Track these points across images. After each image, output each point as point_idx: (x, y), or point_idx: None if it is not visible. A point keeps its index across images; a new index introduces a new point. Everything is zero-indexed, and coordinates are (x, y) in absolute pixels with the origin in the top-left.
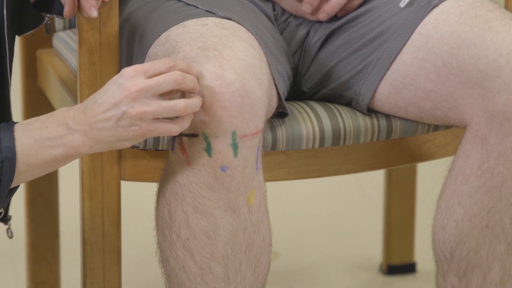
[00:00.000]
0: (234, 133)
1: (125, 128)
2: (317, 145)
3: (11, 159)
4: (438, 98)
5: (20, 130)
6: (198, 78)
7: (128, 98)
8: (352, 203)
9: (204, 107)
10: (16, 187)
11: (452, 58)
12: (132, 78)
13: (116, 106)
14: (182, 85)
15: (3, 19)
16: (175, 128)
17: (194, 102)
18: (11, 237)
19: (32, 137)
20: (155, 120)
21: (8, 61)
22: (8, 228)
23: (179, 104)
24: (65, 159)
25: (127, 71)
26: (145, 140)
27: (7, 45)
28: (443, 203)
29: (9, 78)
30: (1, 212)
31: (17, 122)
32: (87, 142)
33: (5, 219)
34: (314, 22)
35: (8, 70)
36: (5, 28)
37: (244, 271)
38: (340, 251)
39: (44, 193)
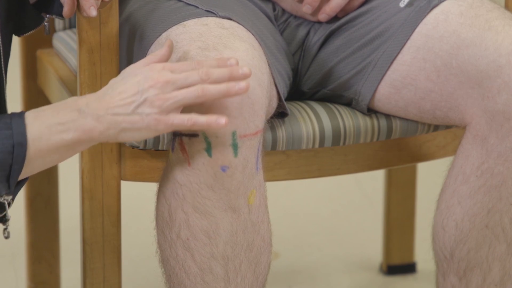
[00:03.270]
0: (234, 133)
1: (141, 116)
2: (317, 145)
3: (22, 144)
4: (438, 98)
5: (32, 116)
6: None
7: (154, 87)
8: (352, 203)
9: (204, 107)
10: (25, 180)
11: (452, 58)
12: (160, 71)
13: (139, 93)
14: (209, 81)
15: None
16: (187, 117)
17: (214, 87)
18: (7, 237)
19: (44, 123)
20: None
21: (3, 60)
22: (5, 229)
23: (196, 88)
24: (76, 144)
25: (157, 65)
26: (145, 140)
27: (1, 44)
28: (443, 203)
29: (5, 77)
30: (10, 202)
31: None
32: (98, 126)
33: (4, 218)
34: (314, 22)
35: (3, 69)
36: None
37: (244, 271)
38: (340, 251)
39: (44, 192)
